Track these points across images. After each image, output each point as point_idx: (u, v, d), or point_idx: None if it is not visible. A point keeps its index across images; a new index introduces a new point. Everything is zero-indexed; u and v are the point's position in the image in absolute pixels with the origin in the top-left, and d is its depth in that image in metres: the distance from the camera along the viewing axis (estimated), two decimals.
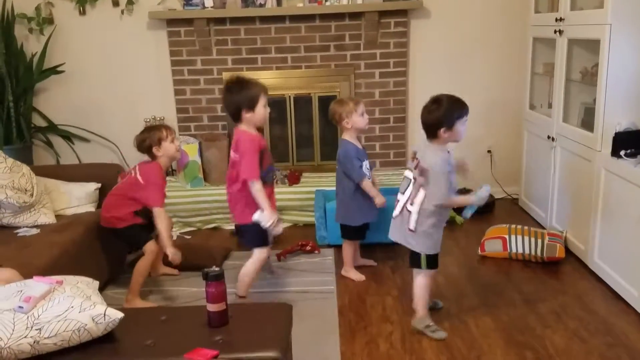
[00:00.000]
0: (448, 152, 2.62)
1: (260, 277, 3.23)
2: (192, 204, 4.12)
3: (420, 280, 2.73)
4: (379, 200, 3.16)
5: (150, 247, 3.03)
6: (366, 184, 3.16)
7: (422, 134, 2.67)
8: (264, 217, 2.66)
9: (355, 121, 3.14)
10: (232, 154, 2.77)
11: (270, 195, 2.80)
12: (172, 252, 2.92)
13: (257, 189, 2.66)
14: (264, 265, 3.09)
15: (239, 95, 2.67)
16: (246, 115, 2.67)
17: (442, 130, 2.52)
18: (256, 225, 2.71)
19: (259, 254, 2.85)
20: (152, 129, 3.04)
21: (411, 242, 2.68)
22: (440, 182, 2.54)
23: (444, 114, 2.51)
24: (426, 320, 2.72)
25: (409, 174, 2.68)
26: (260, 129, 2.88)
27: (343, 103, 3.16)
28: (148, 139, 2.99)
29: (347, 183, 3.22)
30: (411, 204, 2.64)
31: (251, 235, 2.82)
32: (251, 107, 2.65)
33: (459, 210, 2.99)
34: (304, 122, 4.54)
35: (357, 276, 3.29)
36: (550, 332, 2.69)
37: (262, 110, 2.68)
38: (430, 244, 2.65)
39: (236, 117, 2.71)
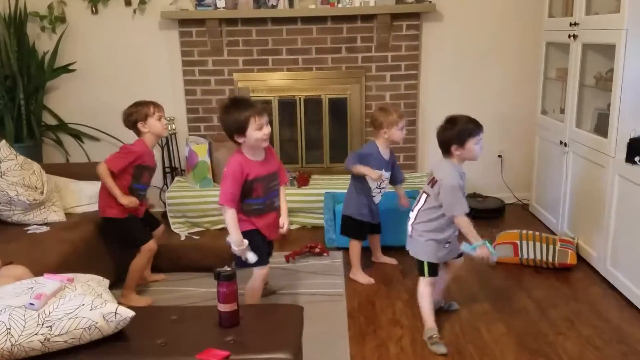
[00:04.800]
0: (464, 172, 2.66)
1: (270, 279, 3.21)
2: (201, 205, 4.11)
3: (421, 290, 2.71)
4: (374, 174, 3.12)
5: (147, 246, 3.03)
6: (358, 168, 3.15)
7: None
8: (232, 240, 2.55)
9: (393, 133, 3.15)
10: None
11: (274, 222, 2.72)
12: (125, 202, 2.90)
13: (227, 215, 2.53)
14: (268, 291, 3.07)
15: (228, 120, 2.52)
16: (239, 140, 2.55)
17: (453, 147, 2.58)
18: (250, 235, 2.60)
19: (258, 273, 2.70)
20: (140, 104, 2.95)
21: (411, 249, 2.71)
22: (455, 194, 2.55)
23: (456, 132, 2.57)
24: (430, 332, 2.66)
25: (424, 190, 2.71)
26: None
27: (387, 113, 3.16)
28: (135, 113, 2.92)
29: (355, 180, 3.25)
30: (411, 211, 2.70)
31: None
32: (241, 132, 2.50)
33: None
34: (314, 124, 4.52)
35: (365, 279, 3.26)
36: (563, 339, 2.66)
37: (254, 134, 2.50)
38: (427, 252, 2.64)
39: (233, 141, 2.59)
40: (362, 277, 3.27)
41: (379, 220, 3.39)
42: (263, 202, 2.64)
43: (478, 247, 2.55)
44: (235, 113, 2.50)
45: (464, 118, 2.61)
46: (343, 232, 3.37)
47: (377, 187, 3.24)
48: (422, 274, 2.68)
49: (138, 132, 2.97)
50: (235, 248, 2.56)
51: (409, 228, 2.70)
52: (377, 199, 3.29)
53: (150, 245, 3.04)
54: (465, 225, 2.56)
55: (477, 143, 2.58)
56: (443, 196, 2.56)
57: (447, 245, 2.66)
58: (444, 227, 2.61)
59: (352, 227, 3.32)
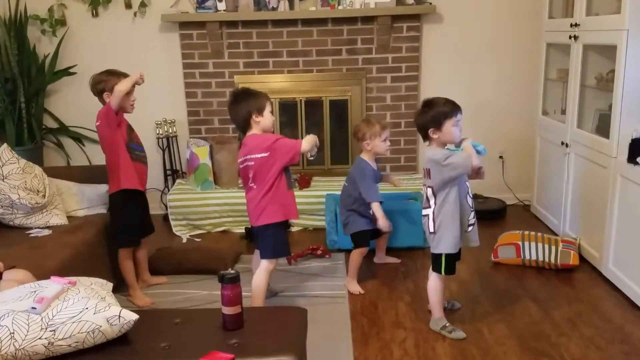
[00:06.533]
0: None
1: (272, 281, 3.21)
2: (202, 207, 4.11)
3: (433, 284, 2.74)
4: (383, 222, 3.10)
5: (123, 253, 3.04)
6: (376, 207, 3.11)
7: None
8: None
9: (376, 145, 3.13)
10: (246, 157, 2.73)
11: (293, 200, 2.83)
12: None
13: (304, 141, 2.72)
14: (270, 293, 3.08)
15: (247, 103, 2.72)
16: (256, 120, 2.72)
17: (431, 131, 2.58)
18: (278, 227, 2.76)
19: (267, 265, 2.81)
20: (112, 74, 2.88)
21: (433, 244, 2.69)
22: (452, 160, 2.51)
23: (431, 115, 2.57)
24: (442, 321, 2.73)
25: (423, 190, 2.71)
26: None
27: (370, 124, 3.15)
28: (104, 82, 2.85)
29: (355, 197, 3.19)
30: (425, 208, 2.68)
31: (272, 240, 2.78)
32: (260, 111, 2.72)
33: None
34: (315, 125, 4.52)
35: (355, 288, 3.19)
36: (565, 340, 2.66)
37: (269, 116, 2.75)
38: (450, 240, 2.62)
39: (246, 124, 2.74)
40: (353, 286, 3.21)
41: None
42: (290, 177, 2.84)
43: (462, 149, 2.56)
44: (254, 96, 2.74)
45: (440, 100, 2.60)
46: (356, 246, 3.25)
47: None
48: (439, 271, 2.68)
49: (102, 102, 2.91)
50: (314, 146, 2.74)
51: (431, 225, 2.64)
52: None
53: (125, 253, 3.05)
54: (472, 159, 2.53)
55: (455, 125, 2.56)
56: (444, 172, 2.53)
57: (469, 228, 2.66)
58: (456, 201, 2.58)
59: (360, 238, 3.23)
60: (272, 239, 2.78)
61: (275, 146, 2.67)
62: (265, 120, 2.73)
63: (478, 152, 2.57)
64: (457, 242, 2.64)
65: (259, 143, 2.70)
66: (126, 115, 3.00)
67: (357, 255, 3.24)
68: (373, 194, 3.13)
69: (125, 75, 2.89)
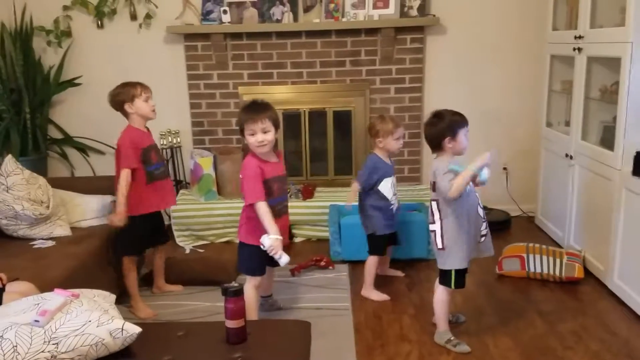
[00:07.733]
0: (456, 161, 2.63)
1: (275, 292, 3.20)
2: (206, 217, 4.10)
3: (440, 296, 2.72)
4: (349, 199, 3.22)
5: (127, 262, 3.02)
6: (353, 185, 3.18)
7: None
8: (266, 240, 2.48)
9: (388, 143, 3.16)
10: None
11: (286, 226, 2.74)
12: (116, 215, 2.86)
13: (263, 210, 2.52)
14: (271, 305, 3.06)
15: (238, 118, 2.67)
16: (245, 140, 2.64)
17: (446, 140, 2.58)
18: (248, 248, 2.67)
19: (249, 282, 2.73)
20: (127, 85, 2.91)
21: (441, 260, 2.66)
22: (444, 182, 2.52)
23: (447, 124, 2.58)
24: (447, 335, 2.71)
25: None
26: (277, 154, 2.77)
27: (384, 121, 3.18)
28: (122, 94, 2.89)
29: (366, 195, 3.21)
30: (432, 223, 2.65)
31: (242, 257, 2.75)
32: (242, 132, 2.60)
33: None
34: (319, 136, 4.53)
35: (379, 296, 3.21)
36: (571, 354, 2.64)
37: (247, 138, 2.57)
38: (459, 256, 2.60)
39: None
40: (375, 295, 3.21)
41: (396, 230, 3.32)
42: (282, 202, 2.71)
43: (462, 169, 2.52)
44: (241, 114, 2.64)
45: (449, 111, 2.63)
46: (372, 252, 3.25)
47: (393, 195, 3.21)
48: (449, 285, 2.66)
49: (125, 114, 2.93)
50: (271, 245, 2.46)
51: (439, 242, 2.62)
52: (395, 205, 3.24)
53: (128, 263, 3.04)
54: (461, 179, 2.47)
55: (465, 135, 2.59)
56: (438, 183, 2.54)
57: (482, 239, 2.65)
58: (464, 214, 2.57)
59: (378, 243, 3.24)
60: (245, 256, 2.72)
61: (242, 179, 2.61)
62: (248, 140, 2.57)
63: (482, 182, 2.55)
64: (466, 256, 2.61)
65: (244, 164, 2.65)
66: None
67: (370, 262, 3.24)
68: (360, 177, 3.17)
69: (141, 85, 2.93)
